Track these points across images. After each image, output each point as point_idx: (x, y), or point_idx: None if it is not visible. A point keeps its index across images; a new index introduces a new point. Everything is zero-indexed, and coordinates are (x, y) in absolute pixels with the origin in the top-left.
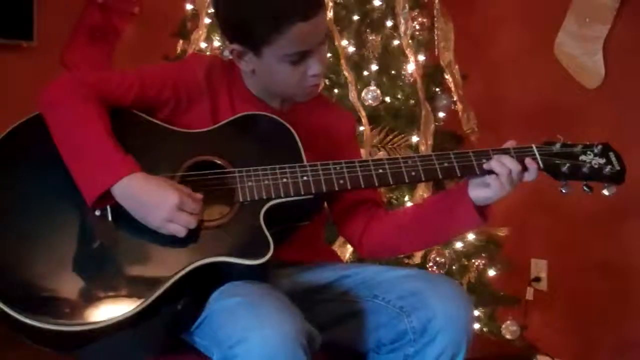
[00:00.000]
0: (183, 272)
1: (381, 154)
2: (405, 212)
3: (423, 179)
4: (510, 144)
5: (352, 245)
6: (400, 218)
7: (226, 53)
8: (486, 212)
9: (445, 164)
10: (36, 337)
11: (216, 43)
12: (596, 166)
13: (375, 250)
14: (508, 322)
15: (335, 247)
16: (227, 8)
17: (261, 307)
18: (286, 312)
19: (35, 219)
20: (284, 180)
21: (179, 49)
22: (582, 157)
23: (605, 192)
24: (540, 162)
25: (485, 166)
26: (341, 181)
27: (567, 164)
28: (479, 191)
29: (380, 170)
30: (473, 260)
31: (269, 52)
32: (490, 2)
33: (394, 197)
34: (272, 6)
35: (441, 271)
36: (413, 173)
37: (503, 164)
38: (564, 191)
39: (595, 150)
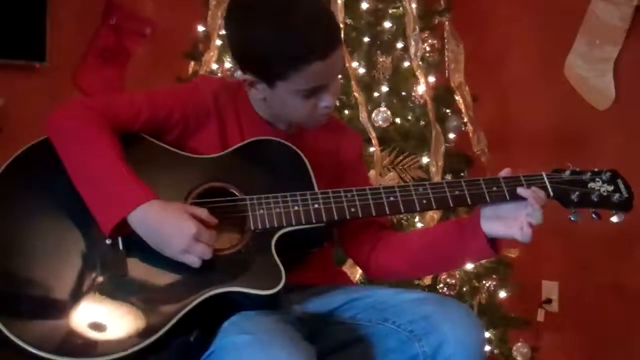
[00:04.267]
0: (194, 303)
1: (392, 175)
2: (413, 238)
3: (434, 207)
4: (505, 172)
5: (359, 266)
6: (408, 243)
7: (238, 74)
8: (498, 243)
9: (457, 192)
10: None
11: (227, 64)
12: (605, 194)
13: (382, 273)
14: (519, 344)
15: (346, 267)
16: (243, 42)
17: (270, 348)
18: (297, 354)
19: (43, 248)
20: (295, 208)
21: (190, 70)
22: (591, 185)
23: (614, 219)
24: (550, 190)
25: (519, 191)
26: (352, 209)
27: (577, 192)
28: (492, 225)
29: (392, 198)
30: (484, 282)
31: (283, 86)
32: (501, 23)
33: (404, 218)
34: (291, 45)
35: (452, 292)
36: (424, 201)
37: (536, 193)
38: (572, 219)
39: (604, 177)
